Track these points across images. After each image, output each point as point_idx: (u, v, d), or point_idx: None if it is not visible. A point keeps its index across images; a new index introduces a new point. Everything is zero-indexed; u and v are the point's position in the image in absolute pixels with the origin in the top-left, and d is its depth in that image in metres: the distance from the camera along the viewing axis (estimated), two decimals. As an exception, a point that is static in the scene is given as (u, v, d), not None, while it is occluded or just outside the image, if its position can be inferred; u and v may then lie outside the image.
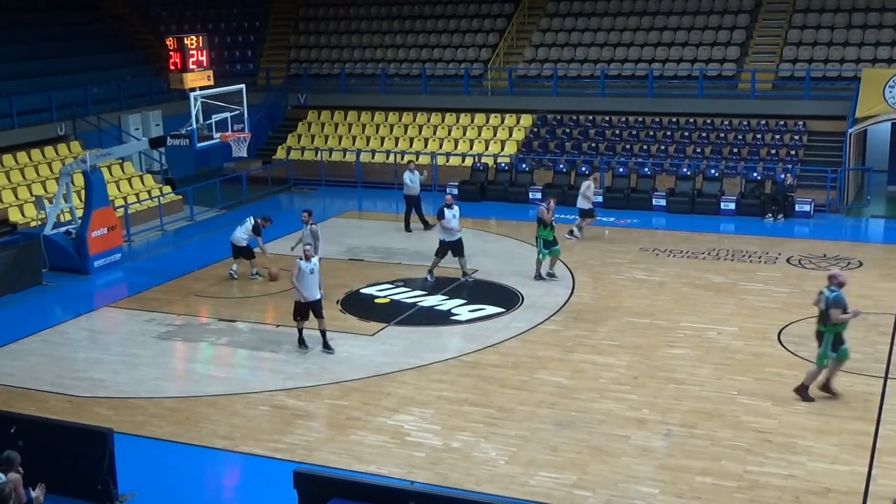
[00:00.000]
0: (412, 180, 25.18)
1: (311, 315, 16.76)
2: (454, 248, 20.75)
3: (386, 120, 33.27)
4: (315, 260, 16.73)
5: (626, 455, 12.82)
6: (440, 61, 34.80)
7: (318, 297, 16.67)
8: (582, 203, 24.23)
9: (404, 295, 19.82)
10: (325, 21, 38.03)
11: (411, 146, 31.90)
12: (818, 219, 25.85)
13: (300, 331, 16.99)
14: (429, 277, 20.70)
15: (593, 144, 30.25)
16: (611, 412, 14.13)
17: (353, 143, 32.61)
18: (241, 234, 21.19)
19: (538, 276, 20.60)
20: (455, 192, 28.78)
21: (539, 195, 28.10)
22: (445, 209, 20.74)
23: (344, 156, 32.12)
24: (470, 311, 18.76)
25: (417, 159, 31.10)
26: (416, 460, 12.87)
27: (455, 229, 20.70)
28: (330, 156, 32.12)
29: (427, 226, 25.26)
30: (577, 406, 14.36)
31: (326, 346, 16.75)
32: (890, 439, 13.12)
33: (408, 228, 25.38)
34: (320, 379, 15.66)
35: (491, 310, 18.81)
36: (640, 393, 14.77)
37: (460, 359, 16.36)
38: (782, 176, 26.03)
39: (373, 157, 31.75)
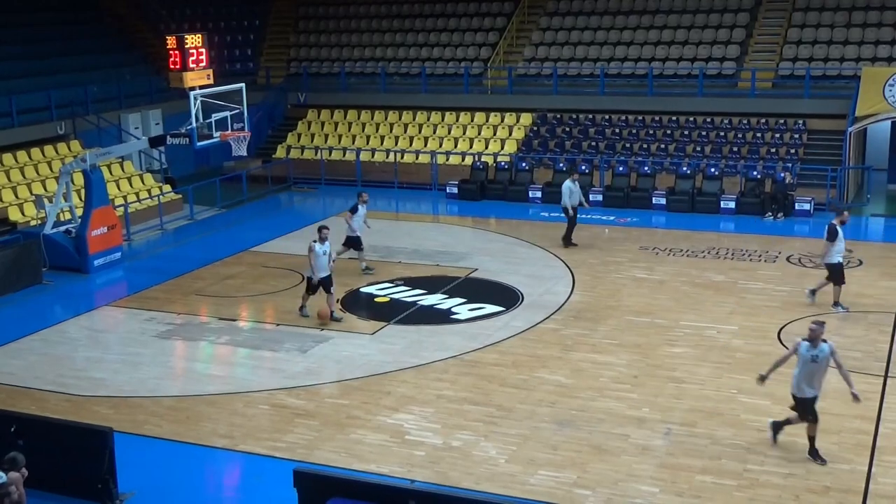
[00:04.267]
0: (573, 192, 22.89)
1: None
2: (840, 273, 18.34)
3: (386, 119, 33.25)
4: None
5: (626, 454, 12.83)
6: (440, 60, 34.79)
7: None
8: None
9: (404, 294, 19.81)
10: (325, 20, 38.02)
11: (411, 145, 31.88)
12: (818, 217, 25.80)
13: None
14: (839, 308, 18.21)
15: (593, 143, 30.24)
16: (611, 411, 14.13)
17: (353, 142, 32.59)
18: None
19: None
20: (456, 190, 28.87)
21: (539, 194, 28.09)
22: (839, 226, 18.03)
23: (344, 154, 32.12)
24: (470, 309, 18.75)
25: (417, 158, 31.11)
26: (416, 459, 12.87)
27: (842, 252, 18.28)
28: (330, 154, 32.12)
29: (569, 243, 23.09)
30: (577, 405, 14.36)
31: None
32: (890, 438, 13.12)
33: (570, 243, 23.10)
34: (320, 378, 15.66)
35: (491, 309, 18.81)
36: (640, 392, 14.77)
37: (460, 358, 16.36)
38: (782, 174, 26.04)
39: (373, 156, 31.73)
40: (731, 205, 26.34)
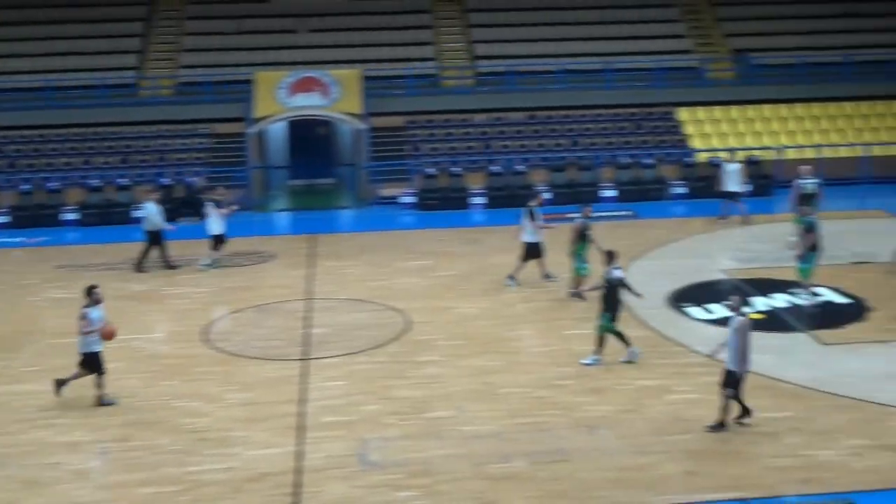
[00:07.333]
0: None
1: None
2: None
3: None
4: None
5: (63, 482, 12.30)
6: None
7: None
8: None
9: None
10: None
11: None
12: (232, 217, 26.72)
13: None
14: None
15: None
16: (42, 441, 13.43)
17: None
18: None
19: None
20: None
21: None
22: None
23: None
24: None
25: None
26: None
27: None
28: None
29: None
30: (6, 442, 13.43)
31: None
32: (312, 416, 13.99)
33: None
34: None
35: None
36: (71, 416, 14.20)
37: None
38: (194, 179, 26.57)
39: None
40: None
